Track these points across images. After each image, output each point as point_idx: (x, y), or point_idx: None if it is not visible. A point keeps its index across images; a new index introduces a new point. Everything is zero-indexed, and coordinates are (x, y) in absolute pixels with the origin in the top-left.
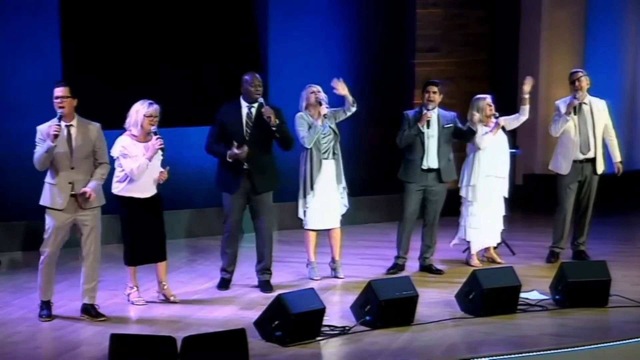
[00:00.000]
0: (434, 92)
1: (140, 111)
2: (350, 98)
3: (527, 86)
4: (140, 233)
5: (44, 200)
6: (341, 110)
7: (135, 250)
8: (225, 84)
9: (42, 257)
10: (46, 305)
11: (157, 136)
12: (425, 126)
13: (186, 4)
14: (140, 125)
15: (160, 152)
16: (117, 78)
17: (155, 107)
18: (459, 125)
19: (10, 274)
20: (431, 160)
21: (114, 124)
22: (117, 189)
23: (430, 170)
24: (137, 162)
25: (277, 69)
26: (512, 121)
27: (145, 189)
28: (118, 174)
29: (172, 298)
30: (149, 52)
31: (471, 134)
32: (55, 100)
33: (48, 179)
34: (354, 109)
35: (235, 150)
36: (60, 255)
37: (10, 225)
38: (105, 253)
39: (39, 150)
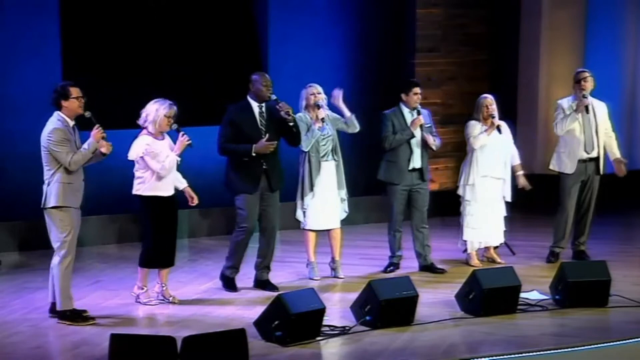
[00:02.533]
0: (420, 94)
1: (161, 111)
2: (347, 113)
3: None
4: (163, 235)
5: (63, 201)
6: (342, 120)
7: (157, 252)
8: (225, 84)
9: (66, 262)
10: (77, 313)
11: (182, 132)
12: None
13: (186, 4)
14: (158, 124)
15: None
16: (117, 78)
17: (175, 108)
18: (433, 125)
19: (10, 274)
20: (416, 160)
21: (114, 124)
22: (141, 189)
23: (414, 170)
24: (168, 157)
25: (277, 69)
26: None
27: (169, 187)
28: (141, 174)
29: (171, 299)
30: (149, 52)
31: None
32: (80, 100)
33: (62, 179)
34: (355, 130)
35: (264, 141)
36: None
37: (10, 225)
38: (105, 253)
39: (83, 152)
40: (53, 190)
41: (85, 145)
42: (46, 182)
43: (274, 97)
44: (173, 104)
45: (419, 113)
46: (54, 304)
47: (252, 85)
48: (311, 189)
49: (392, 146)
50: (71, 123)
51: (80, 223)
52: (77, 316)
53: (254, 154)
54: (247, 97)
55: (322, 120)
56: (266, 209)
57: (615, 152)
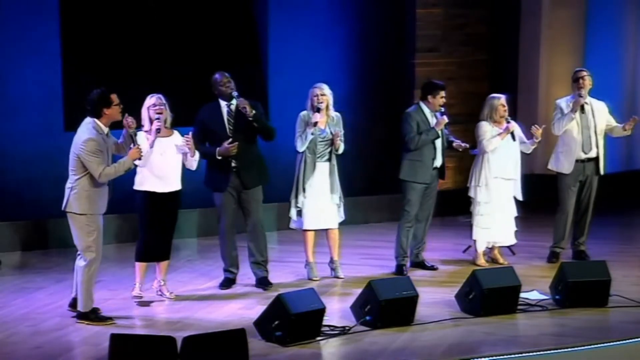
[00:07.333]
0: (445, 97)
1: (145, 105)
2: (337, 144)
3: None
4: (156, 229)
5: (89, 209)
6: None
7: (149, 246)
8: None
9: (93, 265)
10: (95, 313)
11: (156, 119)
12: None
13: (186, 3)
14: (149, 118)
15: (175, 146)
16: (117, 78)
17: (157, 96)
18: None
19: (11, 274)
20: (439, 159)
21: (113, 124)
22: (135, 183)
23: (435, 168)
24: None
25: (277, 69)
26: (523, 144)
27: (164, 184)
28: (137, 169)
29: (168, 294)
30: (149, 52)
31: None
32: (119, 106)
33: (88, 187)
34: (338, 152)
35: (226, 145)
36: (60, 254)
37: (11, 224)
38: (105, 253)
39: (116, 168)
40: (78, 197)
41: (121, 161)
42: (70, 186)
43: (234, 93)
44: (154, 94)
45: (442, 114)
46: (75, 299)
47: (215, 87)
48: (303, 189)
49: (419, 146)
50: (106, 130)
51: (102, 224)
52: (96, 316)
53: (219, 157)
54: (217, 98)
55: (315, 124)
56: (246, 207)
57: (618, 125)
